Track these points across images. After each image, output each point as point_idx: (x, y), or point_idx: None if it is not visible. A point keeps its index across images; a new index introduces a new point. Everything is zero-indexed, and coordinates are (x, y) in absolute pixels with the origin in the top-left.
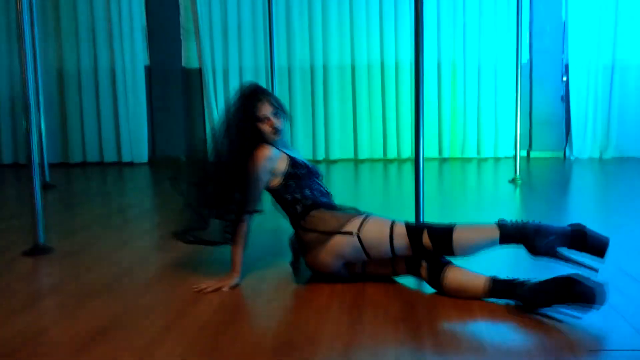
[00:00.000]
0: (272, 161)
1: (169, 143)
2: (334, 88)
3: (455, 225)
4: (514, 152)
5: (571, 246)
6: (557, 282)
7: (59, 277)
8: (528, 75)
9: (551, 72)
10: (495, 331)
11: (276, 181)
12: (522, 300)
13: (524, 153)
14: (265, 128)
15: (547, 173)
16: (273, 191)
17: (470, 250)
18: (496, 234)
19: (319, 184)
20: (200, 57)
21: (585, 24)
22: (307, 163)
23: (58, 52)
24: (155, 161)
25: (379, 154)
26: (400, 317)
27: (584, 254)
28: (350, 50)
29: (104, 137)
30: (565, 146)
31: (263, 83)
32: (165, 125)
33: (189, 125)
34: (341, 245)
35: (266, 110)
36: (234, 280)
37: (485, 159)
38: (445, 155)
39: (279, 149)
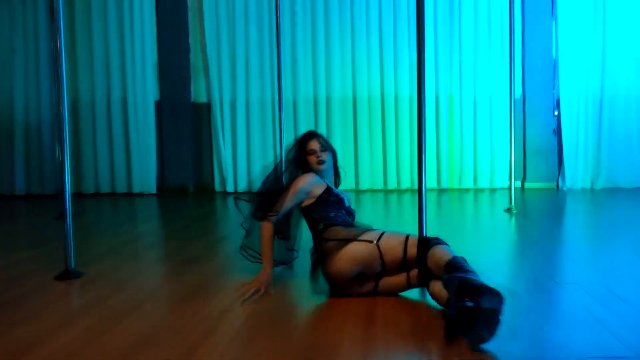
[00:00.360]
0: (310, 185)
1: (177, 174)
2: (336, 119)
3: (441, 244)
4: (509, 183)
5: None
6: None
7: (92, 298)
8: (521, 110)
9: (543, 106)
10: (496, 341)
11: (309, 201)
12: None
13: (519, 184)
14: (312, 159)
15: (541, 203)
16: (305, 209)
17: (435, 265)
18: (448, 258)
19: (345, 214)
20: (208, 92)
21: (575, 61)
22: (343, 197)
23: (73, 85)
24: (163, 192)
25: (379, 185)
26: (410, 332)
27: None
28: (352, 83)
29: (116, 168)
30: (558, 177)
31: (269, 115)
32: (174, 157)
33: (197, 158)
34: (357, 250)
35: (314, 146)
36: (267, 270)
37: (482, 190)
38: (444, 186)
39: (321, 179)
